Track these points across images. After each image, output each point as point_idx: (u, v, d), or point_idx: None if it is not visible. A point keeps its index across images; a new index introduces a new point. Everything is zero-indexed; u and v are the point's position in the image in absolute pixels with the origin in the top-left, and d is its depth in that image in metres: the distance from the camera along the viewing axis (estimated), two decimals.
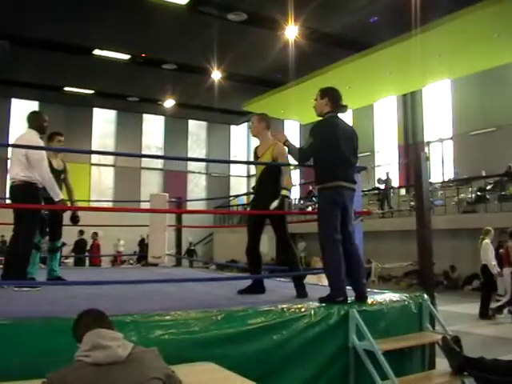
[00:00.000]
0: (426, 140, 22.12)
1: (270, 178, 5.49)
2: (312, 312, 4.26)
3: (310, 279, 8.22)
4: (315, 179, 4.88)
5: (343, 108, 5.01)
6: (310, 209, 22.98)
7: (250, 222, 5.62)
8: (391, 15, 15.50)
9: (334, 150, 4.73)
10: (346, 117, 18.96)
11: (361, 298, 4.78)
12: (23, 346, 3.16)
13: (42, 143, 5.81)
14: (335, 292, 4.62)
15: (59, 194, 5.73)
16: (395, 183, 21.77)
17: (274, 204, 5.13)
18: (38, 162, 5.55)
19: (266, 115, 5.78)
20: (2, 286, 5.49)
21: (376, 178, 21.61)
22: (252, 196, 6.14)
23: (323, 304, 4.48)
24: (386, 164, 23.11)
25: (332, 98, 4.93)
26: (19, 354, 3.11)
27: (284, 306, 4.27)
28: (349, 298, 4.67)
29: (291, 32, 17.16)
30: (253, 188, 6.09)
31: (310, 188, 24.02)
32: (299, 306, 4.33)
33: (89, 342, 2.38)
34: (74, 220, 6.62)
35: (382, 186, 20.97)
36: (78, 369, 2.29)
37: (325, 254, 4.74)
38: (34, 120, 5.92)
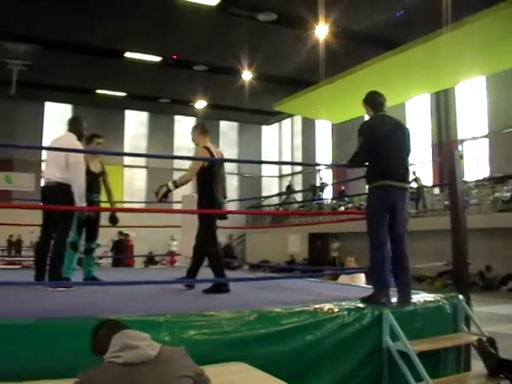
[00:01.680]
0: (459, 138, 21.82)
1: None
2: (345, 312, 4.23)
3: (343, 280, 8.20)
4: (366, 178, 4.84)
5: (384, 104, 4.97)
6: (342, 209, 22.86)
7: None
8: (423, 12, 15.31)
9: (381, 148, 4.67)
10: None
11: (404, 301, 4.70)
12: (56, 346, 3.20)
13: (80, 146, 5.88)
14: (378, 293, 4.58)
15: (82, 202, 5.74)
16: (429, 182, 21.52)
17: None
18: (75, 166, 5.64)
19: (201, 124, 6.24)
20: (37, 286, 5.57)
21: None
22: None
23: (358, 304, 4.45)
24: (420, 163, 22.85)
25: (371, 103, 4.96)
26: (52, 354, 3.15)
27: (317, 306, 4.25)
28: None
29: (321, 31, 17.07)
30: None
31: (343, 188, 23.93)
32: (332, 306, 4.30)
33: (118, 344, 2.39)
34: (113, 221, 6.68)
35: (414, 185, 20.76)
36: (109, 369, 2.31)
37: (371, 253, 4.70)
38: (74, 124, 6.05)
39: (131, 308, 4.21)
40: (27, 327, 3.29)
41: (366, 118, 5.14)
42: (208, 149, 5.77)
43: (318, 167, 29.21)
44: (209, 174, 5.68)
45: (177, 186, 5.51)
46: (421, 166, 22.05)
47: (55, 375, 2.92)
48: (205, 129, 6.03)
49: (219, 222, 6.18)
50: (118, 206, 6.92)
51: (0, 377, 2.83)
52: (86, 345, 2.71)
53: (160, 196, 5.42)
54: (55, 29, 17.44)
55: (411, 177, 20.59)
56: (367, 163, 4.82)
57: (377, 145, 4.69)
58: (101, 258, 15.08)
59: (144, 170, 29.81)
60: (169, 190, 5.41)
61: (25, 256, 19.52)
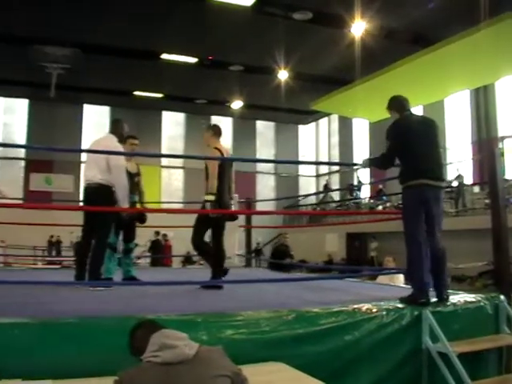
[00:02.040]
0: (500, 135, 21.41)
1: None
2: (384, 313, 4.20)
3: (381, 280, 8.13)
4: (399, 179, 4.81)
5: (407, 105, 4.94)
6: (380, 208, 22.66)
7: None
8: (461, 7, 15.09)
9: (411, 147, 4.64)
10: (417, 113, 18.61)
11: (441, 299, 4.69)
12: (96, 344, 3.25)
13: (121, 148, 5.95)
14: (417, 293, 4.53)
15: (125, 203, 5.84)
16: (469, 180, 21.18)
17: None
18: (116, 167, 5.73)
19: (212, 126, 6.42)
20: (77, 285, 5.65)
21: (448, 176, 21.07)
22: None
23: (397, 304, 4.41)
24: (458, 161, 22.51)
25: (394, 107, 4.97)
26: (93, 352, 3.20)
27: (355, 306, 4.23)
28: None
29: (358, 29, 16.95)
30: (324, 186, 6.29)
31: (380, 187, 23.71)
32: (371, 306, 4.27)
33: (156, 343, 2.41)
34: (141, 220, 6.76)
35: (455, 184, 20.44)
36: (148, 369, 2.33)
37: (408, 253, 4.66)
38: (116, 127, 6.17)
39: (169, 307, 4.24)
40: (68, 326, 3.34)
41: None
42: (219, 150, 5.97)
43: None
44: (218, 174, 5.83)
45: (214, 194, 5.75)
46: (461, 164, 21.71)
47: (95, 373, 2.96)
48: (217, 131, 6.26)
49: (254, 222, 6.24)
50: (156, 206, 6.98)
51: (42, 374, 2.88)
52: (125, 344, 2.74)
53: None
54: (93, 32, 17.69)
55: (454, 174, 20.36)
56: (399, 164, 4.79)
57: (406, 145, 4.67)
58: (139, 257, 15.25)
59: (181, 171, 30.00)
60: (207, 201, 5.72)
61: (64, 256, 19.87)
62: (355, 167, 27.64)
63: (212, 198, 5.71)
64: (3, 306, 4.16)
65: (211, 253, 5.99)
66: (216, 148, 5.99)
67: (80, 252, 6.09)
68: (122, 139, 6.14)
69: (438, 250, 4.70)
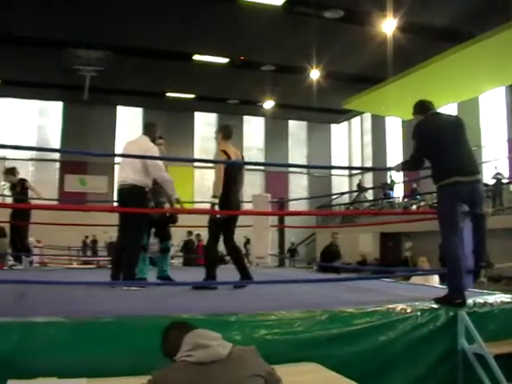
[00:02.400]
0: None
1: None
2: (419, 313, 4.14)
3: (416, 280, 8.04)
4: (432, 178, 4.76)
5: (431, 106, 4.91)
6: (414, 207, 22.44)
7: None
8: (494, 3, 14.86)
9: (438, 145, 4.58)
10: (451, 111, 18.34)
11: (487, 264, 4.70)
12: (131, 343, 3.28)
13: (155, 148, 6.01)
14: (453, 293, 4.45)
15: (175, 192, 6.02)
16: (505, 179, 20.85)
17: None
18: (154, 166, 5.80)
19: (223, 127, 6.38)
20: (113, 285, 5.70)
21: (484, 174, 20.74)
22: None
23: (432, 304, 4.35)
24: (494, 159, 22.16)
25: (419, 110, 4.93)
26: (127, 351, 3.23)
27: (390, 306, 4.18)
28: None
29: (389, 26, 16.81)
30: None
31: (414, 186, 23.47)
32: (405, 306, 4.22)
33: (190, 343, 2.41)
34: (172, 220, 6.80)
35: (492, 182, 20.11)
36: (181, 368, 2.33)
37: (445, 253, 4.60)
38: (150, 130, 6.24)
39: (202, 307, 4.25)
40: (102, 325, 3.38)
41: None
42: (226, 152, 5.95)
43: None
44: (224, 177, 5.85)
45: (217, 197, 5.81)
46: (496, 162, 21.37)
47: (129, 372, 2.98)
48: (228, 133, 6.20)
49: (287, 222, 6.25)
50: (189, 206, 7.02)
51: (77, 373, 2.91)
52: (159, 343, 2.75)
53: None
54: (125, 35, 17.91)
55: (492, 172, 20.04)
56: (430, 164, 4.73)
57: (432, 144, 4.63)
58: (172, 257, 15.36)
59: (213, 171, 30.04)
60: (214, 204, 5.76)
61: (100, 256, 20.10)
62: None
63: (216, 200, 5.77)
64: (39, 306, 4.22)
65: (211, 262, 6.00)
66: (223, 151, 5.99)
67: (115, 252, 6.16)
68: (154, 141, 6.20)
69: (481, 224, 4.67)
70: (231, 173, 5.92)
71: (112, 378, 2.95)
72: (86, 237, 23.30)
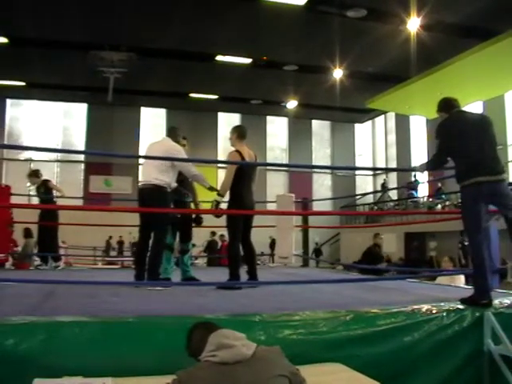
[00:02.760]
0: None
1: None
2: (444, 314, 4.09)
3: (441, 280, 7.96)
4: (455, 178, 4.71)
5: (456, 103, 4.85)
6: (439, 207, 22.26)
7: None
8: None
9: (462, 145, 4.53)
10: (476, 109, 18.13)
11: None
12: (155, 343, 3.30)
13: (179, 147, 6.11)
14: (479, 294, 4.40)
15: (207, 182, 6.25)
16: None
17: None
18: (181, 162, 5.94)
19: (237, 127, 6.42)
20: (137, 285, 5.74)
21: (510, 173, 20.49)
22: None
23: (458, 305, 4.30)
24: None
25: (443, 108, 4.87)
26: (151, 351, 3.25)
27: (415, 307, 4.15)
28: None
29: (413, 25, 16.69)
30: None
31: (439, 185, 23.27)
32: (431, 307, 4.18)
33: (214, 343, 2.42)
34: (198, 221, 6.83)
35: None
36: (206, 368, 2.34)
37: (470, 253, 4.54)
38: (174, 134, 6.33)
39: (226, 307, 4.26)
40: (127, 325, 3.40)
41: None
42: (239, 153, 5.99)
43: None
44: (238, 176, 5.88)
45: (222, 196, 5.90)
46: None
47: (154, 372, 3.00)
48: (242, 133, 6.26)
49: (311, 221, 6.24)
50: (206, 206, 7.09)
51: (102, 372, 2.93)
52: (183, 343, 2.76)
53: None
54: (149, 37, 18.02)
55: None
56: (454, 163, 4.68)
57: (457, 142, 4.56)
58: (196, 257, 15.41)
59: None
60: (218, 202, 5.85)
61: (124, 256, 20.25)
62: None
63: (221, 198, 5.85)
64: (64, 305, 4.27)
65: (235, 261, 5.98)
66: (237, 151, 6.03)
67: (137, 252, 6.21)
68: (178, 144, 6.26)
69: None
70: (244, 173, 5.96)
71: (137, 378, 2.97)
72: (110, 237, 23.49)
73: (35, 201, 10.39)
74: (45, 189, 9.33)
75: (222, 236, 18.39)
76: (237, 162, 5.95)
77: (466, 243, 16.33)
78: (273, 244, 20.19)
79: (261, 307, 4.31)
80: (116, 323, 3.41)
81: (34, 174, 9.60)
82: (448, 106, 4.84)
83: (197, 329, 2.72)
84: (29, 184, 10.67)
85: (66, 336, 3.20)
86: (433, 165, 4.99)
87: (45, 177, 9.73)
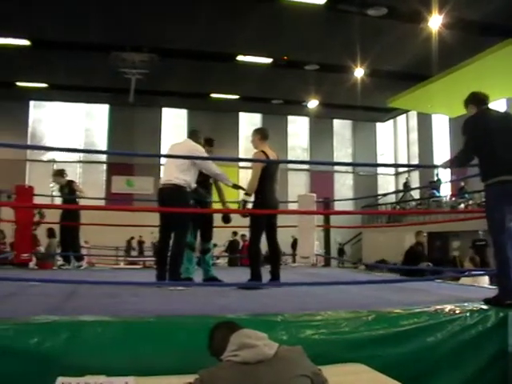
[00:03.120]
0: None
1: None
2: (467, 314, 4.06)
3: (465, 280, 7.90)
4: (480, 177, 4.66)
5: (485, 100, 4.78)
6: (462, 206, 22.06)
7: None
8: None
9: (488, 143, 4.47)
10: (499, 107, 17.91)
11: None
12: (177, 343, 3.32)
13: (200, 147, 6.19)
14: (503, 294, 4.35)
15: (229, 180, 6.41)
16: None
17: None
18: (204, 162, 6.05)
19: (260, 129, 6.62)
20: (158, 285, 5.78)
21: None
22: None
23: (481, 305, 4.25)
24: None
25: (472, 101, 4.82)
26: (173, 350, 3.27)
27: (438, 307, 4.12)
28: None
29: (435, 23, 16.54)
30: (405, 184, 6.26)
31: (462, 184, 23.06)
32: (454, 307, 4.14)
33: (236, 343, 2.43)
34: (226, 220, 6.85)
35: None
36: (228, 368, 2.35)
37: (494, 254, 4.49)
38: (195, 136, 6.40)
39: (248, 307, 4.26)
40: (149, 325, 3.42)
41: None
42: (265, 153, 6.14)
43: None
44: (262, 176, 6.00)
45: (250, 195, 6.04)
46: None
47: (176, 371, 3.01)
48: (265, 134, 6.45)
49: (333, 221, 6.29)
50: (234, 206, 7.10)
51: (124, 371, 2.95)
52: (205, 342, 2.77)
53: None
54: (170, 37, 18.10)
55: None
56: (479, 160, 4.62)
57: (482, 140, 4.51)
58: (218, 257, 15.46)
59: None
60: (246, 202, 6.03)
61: (146, 256, 20.35)
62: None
63: (248, 198, 6.01)
64: (87, 305, 4.30)
65: (256, 261, 6.03)
66: (262, 151, 6.18)
67: (159, 252, 6.24)
68: None
69: None
70: (269, 173, 6.07)
71: (159, 377, 2.99)
72: (132, 238, 23.60)
73: (58, 201, 10.46)
74: (69, 189, 9.41)
75: (243, 236, 18.42)
76: (260, 160, 6.05)
77: (481, 243, 16.27)
78: (294, 244, 20.17)
79: (283, 307, 4.31)
80: (138, 323, 3.44)
81: (60, 174, 9.69)
82: (478, 100, 4.78)
83: (219, 328, 2.73)
84: (53, 184, 10.77)
85: (89, 335, 3.24)
86: (458, 162, 4.93)
87: (68, 178, 9.82)
